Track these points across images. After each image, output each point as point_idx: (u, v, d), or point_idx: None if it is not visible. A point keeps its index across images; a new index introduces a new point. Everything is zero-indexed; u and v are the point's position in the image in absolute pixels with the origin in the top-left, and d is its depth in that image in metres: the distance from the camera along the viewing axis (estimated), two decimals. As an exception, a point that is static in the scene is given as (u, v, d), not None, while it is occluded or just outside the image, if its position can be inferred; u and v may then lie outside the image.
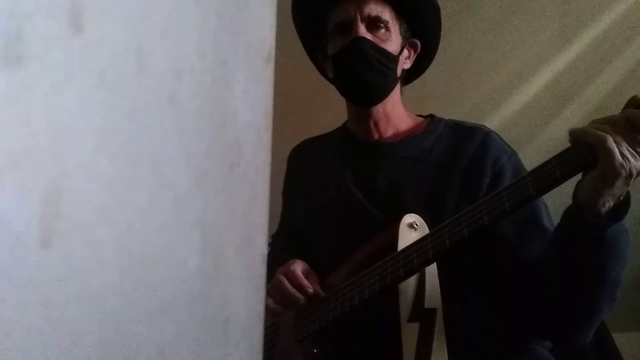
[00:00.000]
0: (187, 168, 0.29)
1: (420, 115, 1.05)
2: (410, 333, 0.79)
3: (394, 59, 0.96)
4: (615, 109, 0.72)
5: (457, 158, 0.93)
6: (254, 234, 0.36)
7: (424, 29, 1.02)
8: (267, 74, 0.36)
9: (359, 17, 0.94)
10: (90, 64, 0.22)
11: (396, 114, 1.01)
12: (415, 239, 0.82)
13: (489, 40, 1.37)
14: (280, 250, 1.11)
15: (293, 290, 0.89)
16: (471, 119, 1.07)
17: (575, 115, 1.37)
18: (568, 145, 0.72)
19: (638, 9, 1.34)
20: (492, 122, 1.37)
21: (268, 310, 0.92)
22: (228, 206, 0.33)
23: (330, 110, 1.11)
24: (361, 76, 0.94)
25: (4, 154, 0.19)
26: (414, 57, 1.03)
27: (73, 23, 0.21)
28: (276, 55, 0.37)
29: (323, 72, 1.09)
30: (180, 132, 0.28)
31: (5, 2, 0.19)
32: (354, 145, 1.03)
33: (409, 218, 0.86)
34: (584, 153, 0.70)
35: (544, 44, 1.37)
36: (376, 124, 1.00)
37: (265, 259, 0.38)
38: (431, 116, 1.04)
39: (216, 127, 0.31)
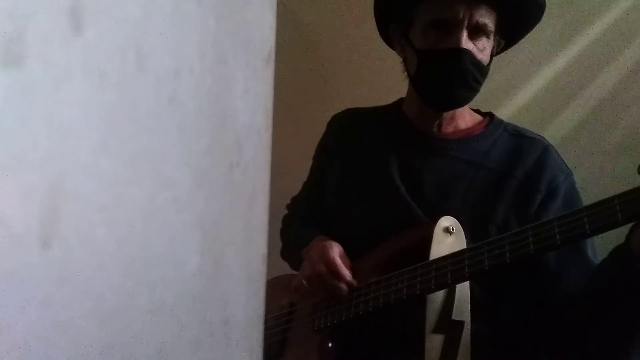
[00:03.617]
0: (187, 168, 0.29)
1: (478, 111, 1.00)
2: (434, 344, 0.76)
3: (485, 73, 0.89)
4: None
5: (512, 169, 0.89)
6: (254, 234, 0.36)
7: (519, 35, 0.95)
8: (267, 74, 0.36)
9: (466, 22, 0.84)
10: (90, 64, 0.22)
11: (459, 112, 0.95)
12: (450, 244, 0.79)
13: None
14: (300, 217, 1.08)
15: (331, 279, 0.85)
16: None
17: (575, 115, 1.37)
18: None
19: (638, 9, 1.34)
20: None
21: (298, 290, 0.88)
22: (228, 206, 0.33)
23: (330, 110, 1.11)
24: (453, 91, 0.88)
25: (4, 154, 0.19)
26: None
27: (73, 23, 0.21)
28: (276, 55, 0.37)
29: (386, 38, 0.99)
30: (180, 132, 0.28)
31: (6, 2, 0.19)
32: (407, 132, 0.97)
33: (446, 221, 0.82)
34: None
35: (544, 44, 1.37)
36: (440, 123, 0.95)
37: (265, 259, 0.38)
38: (490, 115, 0.98)
39: (216, 127, 0.31)
